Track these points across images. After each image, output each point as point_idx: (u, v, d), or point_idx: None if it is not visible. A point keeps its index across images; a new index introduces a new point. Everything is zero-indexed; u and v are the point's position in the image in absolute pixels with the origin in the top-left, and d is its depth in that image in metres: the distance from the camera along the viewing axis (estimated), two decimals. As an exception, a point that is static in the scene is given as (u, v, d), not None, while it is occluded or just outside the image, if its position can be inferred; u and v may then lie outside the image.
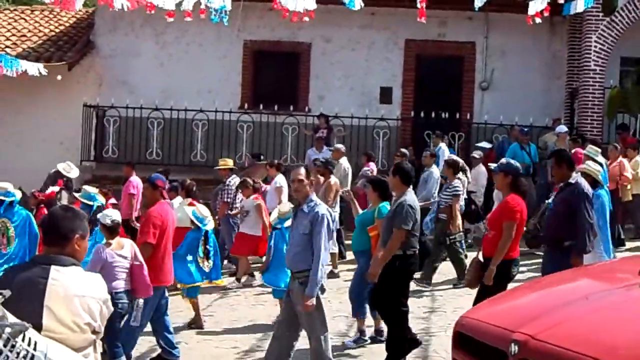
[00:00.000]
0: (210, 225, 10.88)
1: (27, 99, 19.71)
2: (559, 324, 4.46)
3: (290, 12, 13.89)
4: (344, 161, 15.57)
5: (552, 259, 8.51)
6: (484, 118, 19.25)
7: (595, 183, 9.47)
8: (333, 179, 13.76)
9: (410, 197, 8.53)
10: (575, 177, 8.57)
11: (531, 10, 14.66)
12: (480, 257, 8.28)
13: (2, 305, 3.28)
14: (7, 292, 3.34)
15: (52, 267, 3.87)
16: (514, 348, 4.43)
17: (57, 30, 21.79)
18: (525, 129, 17.79)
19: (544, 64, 19.97)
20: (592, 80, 17.96)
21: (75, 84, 20.14)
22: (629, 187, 14.67)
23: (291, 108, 19.40)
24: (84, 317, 3.84)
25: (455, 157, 15.14)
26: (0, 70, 14.53)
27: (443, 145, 16.95)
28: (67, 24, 22.14)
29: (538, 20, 14.74)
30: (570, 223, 8.32)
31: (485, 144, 17.03)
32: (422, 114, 18.99)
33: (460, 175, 13.95)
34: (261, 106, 19.35)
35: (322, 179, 13.34)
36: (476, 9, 14.63)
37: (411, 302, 10.83)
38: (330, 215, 7.42)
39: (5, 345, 3.03)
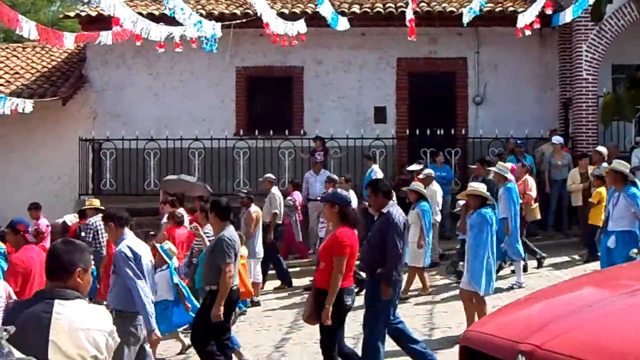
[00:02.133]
0: None
1: (22, 136, 19.79)
2: (565, 333, 4.46)
3: (280, 36, 13.99)
4: (275, 190, 15.53)
5: (370, 285, 8.64)
6: (479, 132, 19.28)
7: (484, 202, 9.91)
8: (253, 209, 13.88)
9: (229, 232, 8.61)
10: (389, 206, 8.63)
11: (520, 23, 14.78)
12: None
13: (8, 342, 3.28)
14: (12, 328, 3.35)
15: (56, 301, 3.89)
16: (521, 359, 4.42)
17: (49, 66, 21.88)
18: (520, 141, 17.85)
19: (536, 75, 20.02)
20: (585, 89, 18.03)
21: (70, 119, 20.22)
22: (533, 206, 14.28)
23: (286, 132, 19.44)
24: (89, 350, 3.85)
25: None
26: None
27: (375, 167, 16.91)
28: (59, 60, 22.23)
29: (528, 32, 14.85)
30: (384, 252, 8.37)
31: (415, 166, 16.46)
32: (417, 132, 19.03)
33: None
34: (256, 132, 19.35)
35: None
36: (465, 25, 14.74)
37: (415, 319, 10.76)
38: (131, 252, 7.44)
39: (12, 381, 3.03)
